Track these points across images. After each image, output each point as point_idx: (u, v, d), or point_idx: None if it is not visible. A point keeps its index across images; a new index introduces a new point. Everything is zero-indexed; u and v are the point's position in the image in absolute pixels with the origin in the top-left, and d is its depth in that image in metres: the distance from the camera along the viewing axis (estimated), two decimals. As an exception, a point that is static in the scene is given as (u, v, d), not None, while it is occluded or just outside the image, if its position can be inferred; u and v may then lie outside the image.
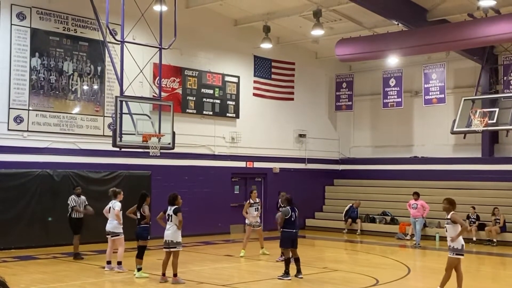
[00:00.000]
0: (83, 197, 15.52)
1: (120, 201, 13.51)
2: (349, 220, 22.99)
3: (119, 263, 13.28)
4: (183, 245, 12.46)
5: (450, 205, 10.80)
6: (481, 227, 20.19)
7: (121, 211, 13.40)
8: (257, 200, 16.42)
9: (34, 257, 15.33)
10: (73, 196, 15.39)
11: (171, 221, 11.98)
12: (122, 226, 13.44)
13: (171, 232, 11.95)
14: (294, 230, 12.93)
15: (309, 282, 12.58)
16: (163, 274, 12.11)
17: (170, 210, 12.02)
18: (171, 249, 11.96)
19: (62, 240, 17.11)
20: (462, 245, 10.62)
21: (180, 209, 12.06)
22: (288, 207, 12.99)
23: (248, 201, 16.42)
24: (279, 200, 15.52)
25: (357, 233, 22.63)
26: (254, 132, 22.89)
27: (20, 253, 15.58)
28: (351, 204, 23.28)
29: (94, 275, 13.04)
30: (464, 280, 10.79)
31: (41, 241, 16.70)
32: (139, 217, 12.78)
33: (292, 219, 12.89)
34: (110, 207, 13.46)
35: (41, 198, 16.98)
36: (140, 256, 12.70)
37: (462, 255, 10.63)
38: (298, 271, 12.80)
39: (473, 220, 20.34)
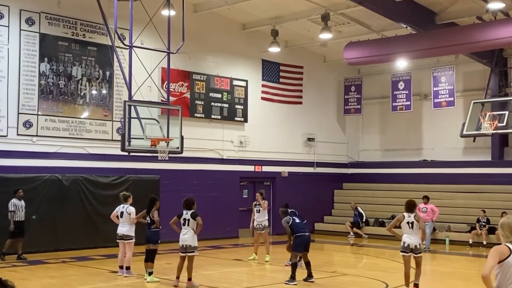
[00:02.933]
0: (23, 202, 15.56)
1: (130, 205, 13.50)
2: (351, 224, 23.05)
3: (128, 268, 13.27)
4: (193, 249, 12.46)
5: (405, 205, 12.02)
6: (492, 230, 20.04)
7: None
8: (262, 202, 16.18)
9: (43, 261, 15.36)
10: (14, 200, 15.42)
11: (188, 225, 11.97)
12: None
13: (189, 236, 11.95)
14: (306, 234, 12.92)
15: (318, 286, 12.53)
16: (178, 278, 12.10)
17: (187, 214, 12.00)
18: (189, 253, 11.96)
19: (71, 244, 17.19)
20: (403, 243, 11.54)
21: (198, 213, 12.08)
22: (287, 216, 12.95)
23: (254, 202, 16.43)
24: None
25: (364, 237, 22.67)
26: (262, 136, 22.87)
27: (29, 257, 15.60)
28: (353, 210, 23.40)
29: (103, 279, 13.06)
30: (475, 283, 10.73)
31: (50, 246, 16.74)
32: (149, 221, 12.79)
33: (297, 221, 12.88)
34: (122, 212, 13.38)
35: (50, 202, 17.02)
36: (151, 260, 12.70)
37: (405, 252, 11.52)
38: (309, 275, 12.75)
39: (483, 223, 20.22)
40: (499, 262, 5.50)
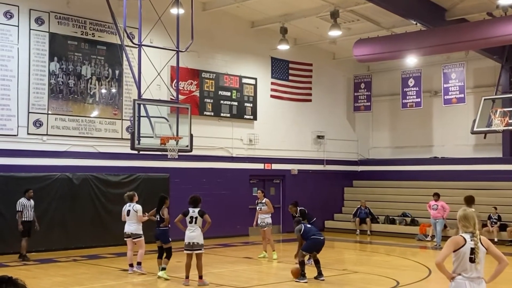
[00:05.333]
0: (32, 201, 15.42)
1: (136, 202, 13.54)
2: (357, 219, 23.08)
3: (139, 263, 13.34)
4: (202, 247, 12.48)
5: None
6: (503, 227, 19.95)
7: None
8: (264, 200, 16.20)
9: (54, 260, 15.43)
10: (22, 200, 15.30)
11: (195, 223, 11.97)
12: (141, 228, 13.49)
13: (197, 234, 11.96)
14: (321, 237, 12.89)
15: (329, 284, 12.50)
16: (187, 277, 12.10)
17: (193, 212, 12.00)
18: (196, 251, 11.96)
19: (82, 243, 17.26)
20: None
21: (205, 211, 12.09)
22: (300, 224, 12.92)
23: (256, 201, 16.51)
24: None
25: (368, 234, 22.76)
26: (272, 134, 22.84)
27: (41, 256, 15.67)
28: (359, 206, 23.39)
29: (114, 277, 13.09)
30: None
31: (61, 244, 16.82)
32: (158, 219, 12.82)
33: (308, 226, 12.89)
34: (129, 210, 13.46)
35: (61, 201, 17.10)
36: (167, 257, 12.73)
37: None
38: (320, 274, 12.71)
39: (494, 220, 20.11)
40: (455, 251, 6.07)
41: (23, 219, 15.24)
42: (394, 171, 25.05)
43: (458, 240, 6.09)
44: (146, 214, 13.38)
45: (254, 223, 16.40)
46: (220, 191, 20.95)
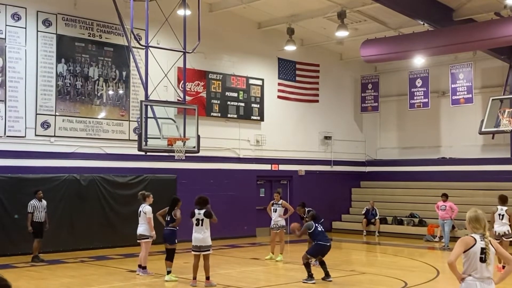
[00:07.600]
0: (44, 202, 15.37)
1: (149, 204, 13.53)
2: (365, 220, 23.06)
3: (144, 267, 13.28)
4: (209, 248, 12.46)
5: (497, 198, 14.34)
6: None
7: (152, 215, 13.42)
8: (280, 202, 16.12)
9: (62, 261, 15.45)
10: (33, 201, 15.22)
11: (202, 225, 11.92)
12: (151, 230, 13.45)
13: (204, 236, 11.91)
14: (328, 244, 12.83)
15: (336, 285, 12.47)
16: (194, 278, 12.09)
17: (199, 214, 11.96)
18: (204, 252, 11.95)
19: (90, 244, 17.29)
20: (494, 232, 13.68)
21: (212, 212, 12.05)
22: (311, 222, 12.91)
23: (271, 202, 16.39)
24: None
25: (376, 235, 22.71)
26: (279, 134, 22.82)
27: (48, 257, 15.68)
28: (367, 207, 23.36)
29: (122, 278, 13.10)
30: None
31: (68, 245, 16.85)
32: (169, 219, 12.79)
33: (319, 230, 12.84)
34: (140, 211, 13.45)
35: (68, 202, 17.13)
36: (169, 259, 12.73)
37: (496, 239, 13.06)
38: (327, 275, 12.68)
39: (503, 221, 20.00)
40: (465, 251, 6.07)
41: (34, 220, 15.24)
42: (402, 171, 24.98)
43: (468, 240, 6.10)
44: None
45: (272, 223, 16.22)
46: (227, 192, 20.94)
